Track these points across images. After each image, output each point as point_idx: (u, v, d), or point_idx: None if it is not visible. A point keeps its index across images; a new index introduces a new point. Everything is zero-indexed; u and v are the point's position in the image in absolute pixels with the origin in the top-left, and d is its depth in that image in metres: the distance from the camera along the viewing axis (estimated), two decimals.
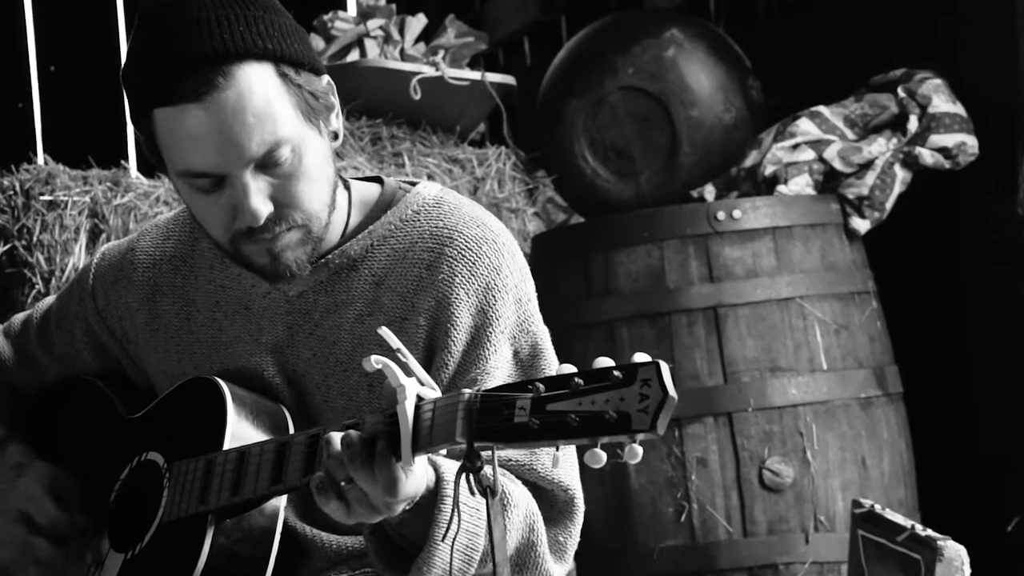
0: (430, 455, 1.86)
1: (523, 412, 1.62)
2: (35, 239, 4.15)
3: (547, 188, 4.82)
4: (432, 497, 1.91)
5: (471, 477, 1.70)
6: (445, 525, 1.90)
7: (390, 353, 1.78)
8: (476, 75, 4.68)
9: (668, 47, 4.48)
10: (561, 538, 2.12)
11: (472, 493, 1.73)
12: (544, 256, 4.37)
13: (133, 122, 2.10)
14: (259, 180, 2.01)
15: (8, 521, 2.25)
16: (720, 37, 4.62)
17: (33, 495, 2.25)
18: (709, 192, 4.40)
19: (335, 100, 2.13)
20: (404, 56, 4.63)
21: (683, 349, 4.09)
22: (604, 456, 1.58)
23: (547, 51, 5.15)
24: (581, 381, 1.60)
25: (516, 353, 2.13)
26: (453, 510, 1.80)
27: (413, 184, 2.22)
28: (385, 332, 1.80)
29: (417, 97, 4.51)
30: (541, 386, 1.62)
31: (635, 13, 4.81)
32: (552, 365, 2.13)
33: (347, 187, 2.20)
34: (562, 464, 2.08)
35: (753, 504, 4.05)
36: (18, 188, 4.19)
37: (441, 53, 4.61)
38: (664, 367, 1.56)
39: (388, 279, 2.13)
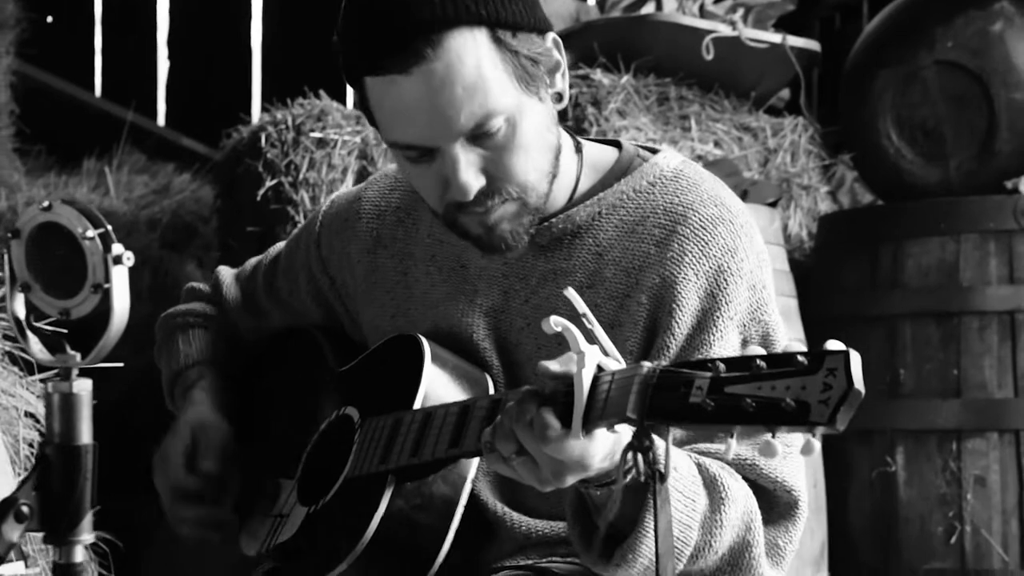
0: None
1: (699, 392, 1.51)
2: (301, 176, 4.07)
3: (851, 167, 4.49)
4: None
5: (639, 457, 1.61)
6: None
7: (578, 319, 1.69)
8: (776, 38, 4.35)
9: (996, 20, 4.10)
10: (780, 541, 1.98)
11: (639, 475, 1.63)
12: (829, 239, 4.08)
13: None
14: (470, 153, 1.91)
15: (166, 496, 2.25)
16: None
17: (168, 457, 2.23)
18: None
19: (561, 58, 1.99)
20: (704, 12, 4.33)
21: (971, 355, 3.75)
22: (778, 448, 1.47)
23: None
24: (764, 364, 1.48)
25: (745, 342, 2.00)
26: (616, 487, 1.71)
27: (654, 152, 2.10)
28: (571, 294, 1.68)
29: (709, 57, 4.21)
30: (722, 366, 1.51)
31: None
32: None
33: (579, 149, 2.09)
34: (787, 463, 1.97)
35: None
36: (290, 123, 4.12)
37: (741, 11, 4.29)
38: (855, 357, 1.43)
39: (612, 251, 2.03)
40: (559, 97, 1.99)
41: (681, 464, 1.85)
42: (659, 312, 1.98)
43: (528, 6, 1.94)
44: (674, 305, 1.97)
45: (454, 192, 1.93)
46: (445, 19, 1.86)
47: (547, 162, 1.98)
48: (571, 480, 1.71)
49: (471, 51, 1.87)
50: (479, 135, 1.90)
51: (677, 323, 1.97)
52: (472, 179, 1.91)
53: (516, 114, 1.91)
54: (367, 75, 1.92)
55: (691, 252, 1.98)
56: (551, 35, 1.98)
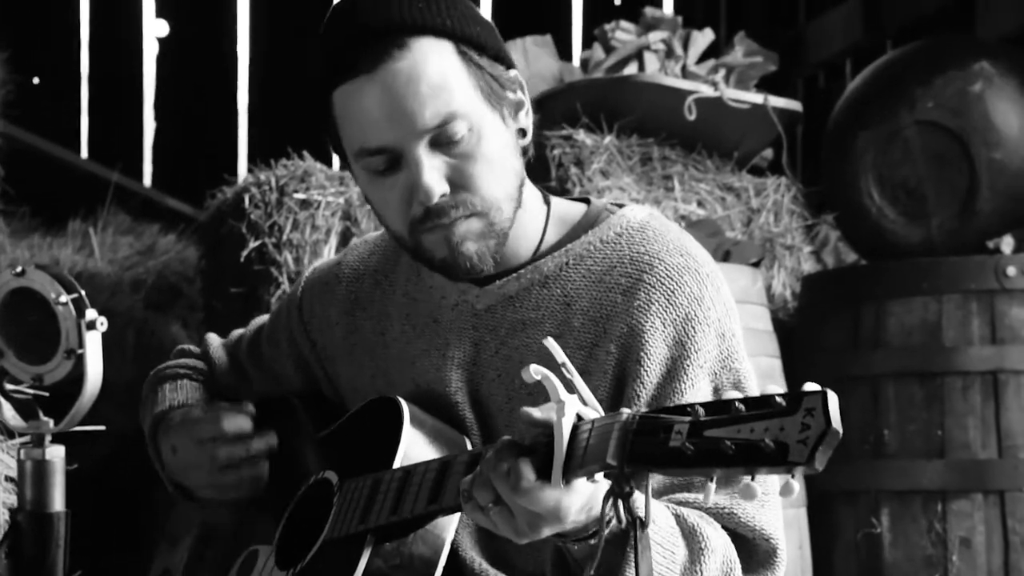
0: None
1: (679, 436, 1.52)
2: (285, 237, 4.06)
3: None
4: (623, 535, 1.79)
5: (620, 503, 1.61)
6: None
7: (556, 368, 1.69)
8: (758, 98, 4.37)
9: (975, 81, 4.11)
10: None
11: (619, 521, 1.63)
12: (812, 299, 4.07)
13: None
14: (434, 158, 1.95)
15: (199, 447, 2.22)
16: None
17: (217, 417, 2.22)
18: (1007, 244, 4.03)
19: (524, 98, 2.04)
20: (686, 73, 4.36)
21: (954, 415, 3.73)
22: (758, 490, 1.47)
23: None
24: (743, 407, 1.49)
25: (716, 390, 2.01)
26: (599, 536, 1.69)
27: (622, 206, 2.13)
28: (550, 343, 1.71)
29: (691, 117, 4.23)
30: (701, 410, 1.52)
31: (943, 41, 4.41)
32: None
33: (547, 202, 2.13)
34: (765, 511, 1.97)
35: None
36: (273, 184, 4.12)
37: (723, 72, 4.31)
38: (832, 397, 1.43)
39: (580, 301, 2.04)
40: (523, 133, 2.04)
41: (659, 515, 1.85)
42: (627, 361, 2.00)
43: (493, 36, 2.01)
44: (642, 354, 1.99)
45: (419, 198, 1.94)
46: (413, 25, 1.94)
47: (512, 185, 2.01)
48: (547, 532, 1.72)
49: (436, 56, 1.93)
50: (443, 142, 1.94)
51: (646, 371, 1.98)
52: (435, 182, 1.93)
53: (480, 124, 1.95)
54: (336, 86, 1.96)
55: (658, 301, 2.00)
56: (515, 72, 2.03)
